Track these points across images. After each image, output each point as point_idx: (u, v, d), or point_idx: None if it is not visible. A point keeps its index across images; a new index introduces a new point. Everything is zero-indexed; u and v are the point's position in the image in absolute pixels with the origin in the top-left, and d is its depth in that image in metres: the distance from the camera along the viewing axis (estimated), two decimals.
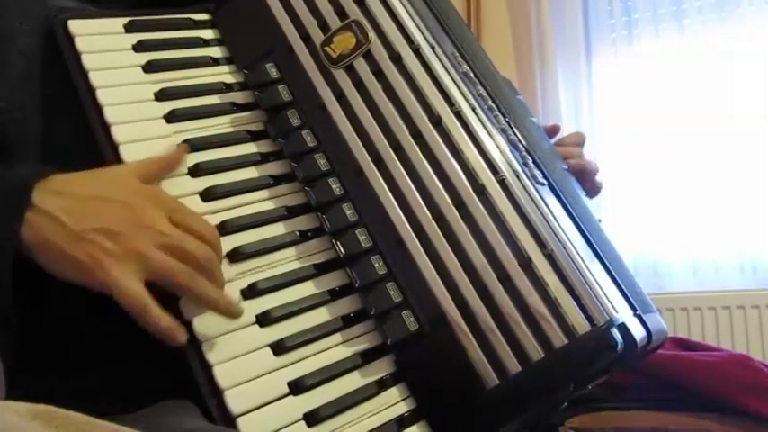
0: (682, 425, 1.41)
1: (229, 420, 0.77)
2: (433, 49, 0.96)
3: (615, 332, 0.81)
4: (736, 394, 1.40)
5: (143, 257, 0.77)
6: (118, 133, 0.89)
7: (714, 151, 3.05)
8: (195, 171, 0.91)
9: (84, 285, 0.78)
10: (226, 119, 0.98)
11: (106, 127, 0.90)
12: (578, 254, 0.86)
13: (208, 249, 0.82)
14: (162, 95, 0.95)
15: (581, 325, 0.80)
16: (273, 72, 0.99)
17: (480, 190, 0.87)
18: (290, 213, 0.93)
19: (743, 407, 1.39)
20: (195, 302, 0.81)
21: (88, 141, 0.90)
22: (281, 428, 0.78)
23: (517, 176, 0.89)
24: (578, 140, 1.35)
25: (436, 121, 0.91)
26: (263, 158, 0.96)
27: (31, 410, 0.54)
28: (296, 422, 0.79)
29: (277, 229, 0.91)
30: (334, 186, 0.92)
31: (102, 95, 0.91)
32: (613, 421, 1.46)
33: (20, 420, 0.53)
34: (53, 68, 0.94)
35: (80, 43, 0.93)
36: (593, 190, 1.28)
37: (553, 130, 1.35)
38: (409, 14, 0.98)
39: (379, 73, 0.95)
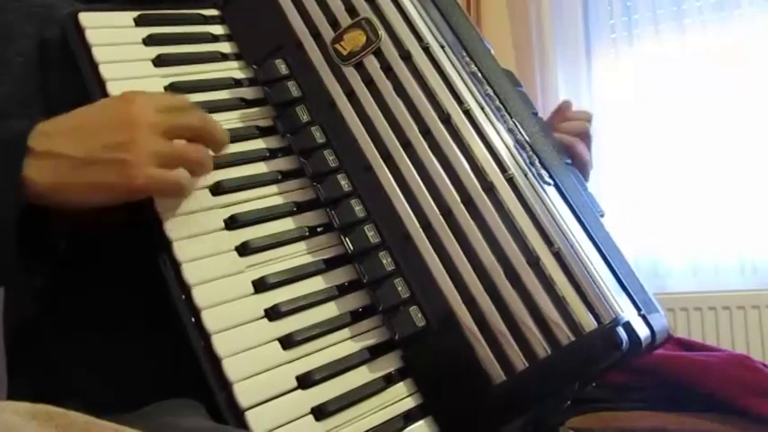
0: (682, 425, 1.41)
1: (238, 414, 0.77)
2: (442, 48, 0.97)
3: (621, 331, 0.81)
4: (737, 394, 1.40)
5: (158, 153, 0.80)
6: None
7: (714, 151, 3.05)
8: None
9: (115, 202, 0.81)
10: (235, 114, 0.98)
11: None
12: (584, 252, 0.86)
13: (196, 114, 0.87)
14: (172, 89, 0.95)
15: (587, 323, 0.80)
16: (283, 68, 1.00)
17: (488, 187, 0.88)
18: (298, 209, 0.93)
19: (743, 407, 1.39)
20: (198, 174, 0.87)
21: None
22: (289, 422, 0.79)
23: (525, 175, 0.89)
24: (586, 117, 1.37)
25: (445, 119, 0.91)
26: (271, 154, 0.96)
27: (31, 410, 0.55)
28: (304, 416, 0.80)
29: (286, 224, 0.91)
30: (342, 182, 0.92)
31: (112, 88, 0.91)
32: (614, 422, 1.46)
33: (19, 420, 0.54)
34: (54, 71, 0.95)
35: (91, 36, 0.94)
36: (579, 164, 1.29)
37: (563, 110, 1.35)
38: (419, 13, 0.99)
39: (388, 70, 0.95)
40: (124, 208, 0.81)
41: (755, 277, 3.04)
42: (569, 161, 1.18)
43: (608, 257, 0.91)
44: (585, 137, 1.34)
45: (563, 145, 1.27)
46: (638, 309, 0.88)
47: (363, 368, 0.85)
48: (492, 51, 1.06)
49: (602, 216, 1.03)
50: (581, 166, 1.29)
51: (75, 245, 0.88)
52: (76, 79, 0.92)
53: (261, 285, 0.86)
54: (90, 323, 0.91)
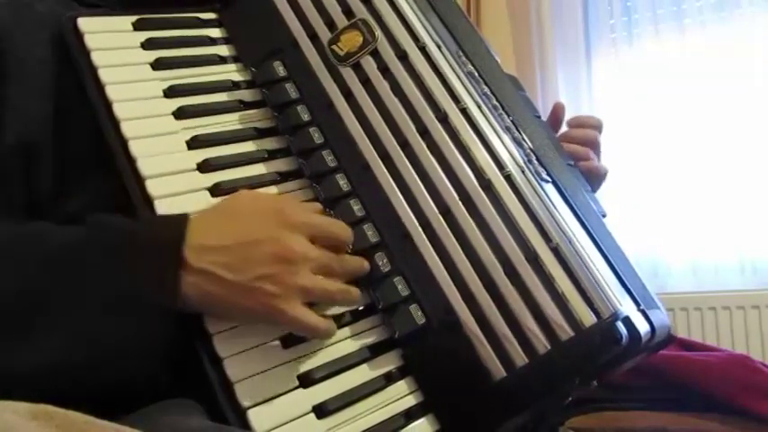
0: (682, 425, 1.41)
1: (240, 413, 0.78)
2: (438, 47, 0.97)
3: (620, 325, 0.81)
4: (737, 394, 1.40)
5: (304, 290, 0.82)
6: (127, 129, 0.90)
7: (714, 151, 3.05)
8: (204, 167, 0.92)
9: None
10: (234, 116, 0.98)
11: (116, 123, 0.90)
12: (583, 248, 0.86)
13: (344, 260, 0.88)
14: (171, 92, 0.96)
15: (587, 318, 0.80)
16: (281, 70, 1.00)
17: (486, 185, 0.88)
18: None
19: (743, 407, 1.39)
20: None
21: (100, 145, 0.91)
22: (290, 421, 0.79)
23: (522, 172, 0.90)
24: (596, 124, 1.37)
25: (442, 118, 0.92)
26: (270, 155, 0.97)
27: (31, 410, 0.55)
28: (305, 415, 0.80)
29: None
30: (341, 182, 0.93)
31: (111, 92, 0.92)
32: (614, 422, 1.45)
33: (19, 420, 0.54)
34: (65, 76, 0.95)
35: (90, 40, 0.94)
36: (594, 179, 1.29)
37: (556, 111, 1.36)
38: (415, 14, 0.99)
39: (385, 70, 0.95)
40: None
41: (755, 277, 3.04)
42: (571, 162, 1.18)
43: (607, 254, 0.91)
44: (596, 146, 1.35)
45: (576, 156, 1.27)
46: (638, 304, 0.88)
47: (364, 367, 0.86)
48: (497, 58, 1.06)
49: (603, 217, 1.03)
50: (597, 178, 1.30)
51: None
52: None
53: None
54: None
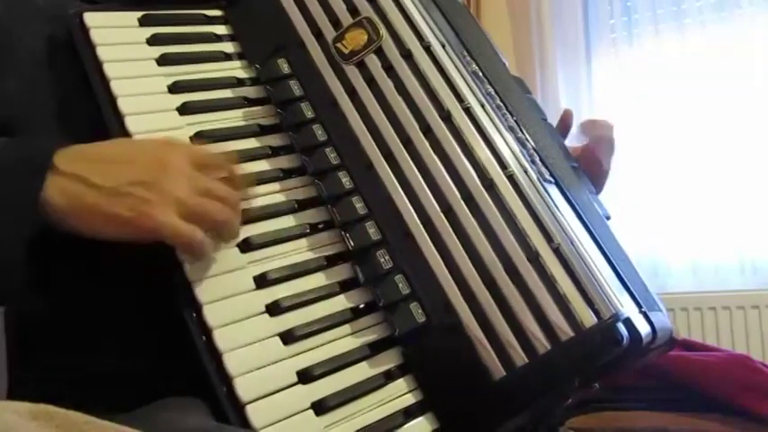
0: (682, 425, 1.42)
1: (238, 408, 0.78)
2: (443, 46, 0.98)
3: (621, 326, 0.81)
4: (737, 394, 1.41)
5: (181, 201, 0.80)
6: (131, 124, 0.90)
7: (714, 151, 3.05)
8: None
9: (126, 238, 0.80)
10: (238, 112, 0.99)
11: (120, 117, 0.91)
12: (585, 249, 0.86)
13: (229, 189, 0.85)
14: (175, 88, 0.96)
15: (587, 318, 0.81)
16: (285, 67, 1.00)
17: (489, 184, 0.88)
18: (300, 206, 0.94)
19: (743, 407, 1.39)
20: (225, 238, 0.86)
21: (98, 139, 0.91)
22: (289, 416, 0.79)
23: (525, 172, 0.90)
24: (609, 125, 1.37)
25: (446, 117, 0.92)
26: (273, 152, 0.97)
27: (31, 411, 0.55)
28: (304, 411, 0.80)
29: (288, 221, 0.92)
30: (344, 180, 0.93)
31: (116, 86, 0.92)
32: (614, 422, 1.46)
33: (20, 420, 0.54)
34: (63, 69, 0.95)
35: (95, 35, 0.95)
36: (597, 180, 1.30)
37: (565, 118, 1.36)
38: (420, 13, 0.99)
39: (389, 69, 0.96)
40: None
41: (755, 277, 3.03)
42: (575, 164, 1.19)
43: (609, 255, 0.91)
44: (609, 142, 1.35)
45: (592, 158, 1.27)
46: (639, 306, 0.88)
47: (364, 364, 0.86)
48: (505, 60, 1.06)
49: (608, 219, 1.03)
50: (603, 174, 1.30)
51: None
52: (86, 78, 0.93)
53: (262, 281, 0.86)
54: (88, 321, 0.92)
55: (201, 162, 0.84)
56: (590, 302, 0.82)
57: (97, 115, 0.91)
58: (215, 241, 0.85)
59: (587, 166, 1.25)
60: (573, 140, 1.31)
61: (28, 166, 0.79)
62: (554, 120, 1.34)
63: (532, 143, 0.96)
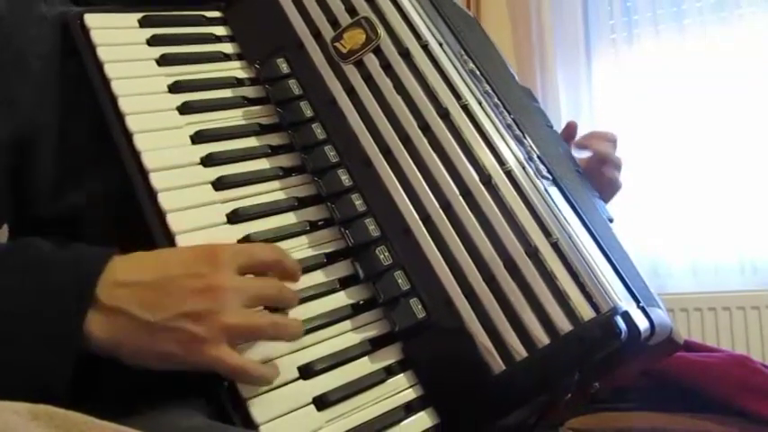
0: (681, 425, 1.42)
1: (241, 404, 0.78)
2: (441, 45, 0.98)
3: (619, 320, 0.82)
4: (736, 395, 1.40)
5: (231, 329, 0.76)
6: (132, 123, 0.91)
7: (714, 151, 3.06)
8: (207, 161, 0.92)
9: (177, 369, 0.77)
10: (237, 112, 0.99)
11: (120, 117, 0.91)
12: (583, 244, 0.87)
13: (277, 283, 0.83)
14: (175, 88, 0.97)
15: (586, 312, 0.81)
16: (284, 67, 1.01)
17: (487, 181, 0.89)
18: (300, 204, 0.94)
19: (743, 408, 1.39)
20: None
21: (102, 141, 0.91)
22: (291, 412, 0.80)
23: (523, 169, 0.90)
24: (612, 138, 1.38)
25: (444, 115, 0.93)
26: (273, 150, 0.97)
27: (31, 411, 0.55)
28: (305, 406, 0.81)
29: (288, 219, 0.93)
30: (343, 177, 0.93)
31: (116, 87, 0.93)
32: (614, 422, 1.46)
33: (20, 421, 0.54)
34: (67, 71, 0.95)
35: (96, 36, 0.95)
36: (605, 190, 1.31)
37: (570, 129, 1.37)
38: (418, 12, 1.00)
39: (388, 68, 0.96)
40: None
41: (755, 277, 3.04)
42: (579, 169, 1.19)
43: (607, 250, 0.92)
44: (609, 158, 1.36)
45: (597, 172, 1.29)
46: (637, 301, 0.89)
47: (364, 359, 0.86)
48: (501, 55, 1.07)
49: (610, 222, 1.04)
50: (611, 188, 1.32)
51: None
52: (88, 81, 0.94)
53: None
54: None
55: (249, 265, 0.81)
56: (588, 297, 0.82)
57: (100, 115, 0.92)
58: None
59: (593, 179, 1.26)
60: (575, 152, 1.33)
61: (67, 297, 0.75)
62: (553, 119, 1.36)
63: (530, 141, 0.97)
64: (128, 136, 0.90)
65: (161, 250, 0.83)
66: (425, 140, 0.92)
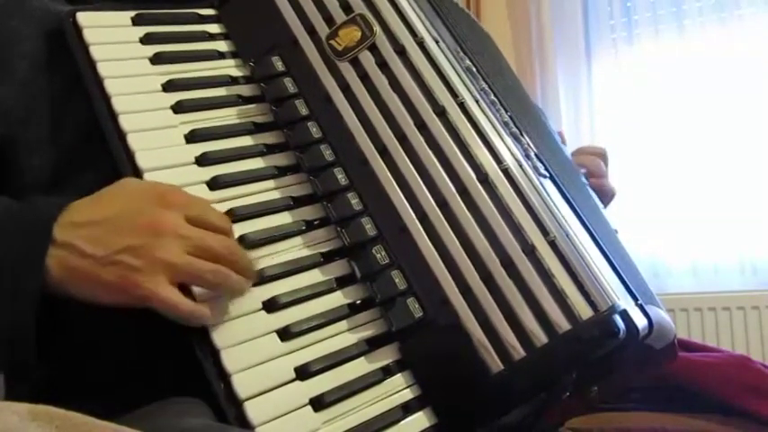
0: (681, 426, 1.41)
1: (237, 404, 0.78)
2: (436, 42, 0.98)
3: (617, 319, 0.81)
4: (736, 395, 1.40)
5: (170, 266, 0.79)
6: (125, 122, 0.90)
7: (714, 152, 3.06)
8: (202, 160, 0.92)
9: (120, 305, 0.80)
10: (232, 111, 0.99)
11: (114, 116, 0.91)
12: (580, 242, 0.86)
13: (227, 240, 0.84)
14: (169, 86, 0.96)
15: (584, 311, 0.80)
16: (279, 65, 1.00)
17: (483, 178, 0.88)
18: (295, 203, 0.94)
19: (743, 408, 1.38)
20: (227, 294, 0.84)
21: (93, 142, 0.91)
22: (287, 412, 0.79)
23: (520, 166, 0.90)
24: (598, 152, 1.40)
25: (440, 112, 0.92)
26: (268, 149, 0.97)
27: (31, 411, 0.55)
28: (302, 407, 0.80)
29: (283, 218, 0.92)
30: (339, 176, 0.93)
31: (110, 85, 0.92)
32: (613, 422, 1.45)
33: (19, 421, 0.54)
34: (57, 72, 0.95)
35: (88, 35, 0.95)
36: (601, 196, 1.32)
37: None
38: (414, 9, 0.99)
39: (383, 65, 0.95)
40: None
41: (755, 278, 3.04)
42: (583, 178, 1.19)
43: (605, 248, 0.91)
44: (600, 172, 1.37)
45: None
46: (636, 299, 0.88)
47: (361, 360, 0.86)
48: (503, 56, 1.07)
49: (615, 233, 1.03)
50: (603, 195, 1.33)
51: None
52: (80, 80, 0.93)
53: (259, 278, 0.86)
54: (87, 319, 0.91)
55: (199, 219, 0.84)
56: (586, 295, 0.81)
57: (93, 115, 0.91)
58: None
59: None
60: None
61: (29, 239, 0.80)
62: (553, 119, 1.36)
63: (527, 138, 0.96)
64: (121, 135, 0.90)
65: (117, 186, 0.85)
66: (422, 138, 0.91)
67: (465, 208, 0.87)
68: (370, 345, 0.87)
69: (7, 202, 0.85)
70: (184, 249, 0.80)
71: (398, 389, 0.85)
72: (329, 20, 1.00)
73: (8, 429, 0.52)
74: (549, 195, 0.89)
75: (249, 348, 0.81)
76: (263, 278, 0.86)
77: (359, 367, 0.85)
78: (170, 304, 0.79)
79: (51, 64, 0.95)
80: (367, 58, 0.96)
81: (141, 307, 0.79)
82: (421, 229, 0.88)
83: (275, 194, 0.94)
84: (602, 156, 1.41)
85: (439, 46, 0.97)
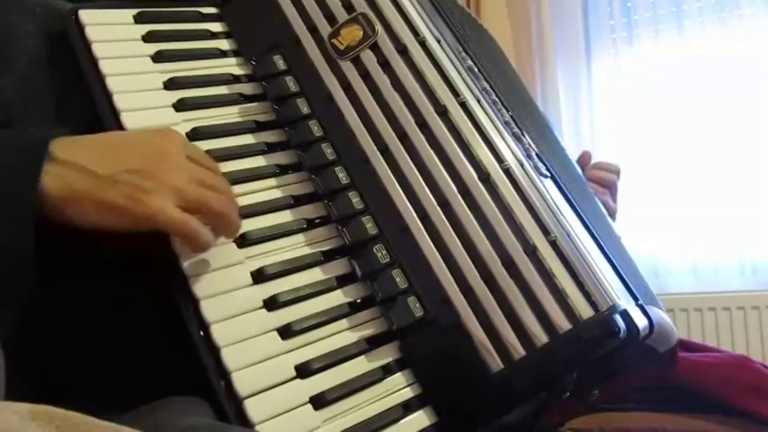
0: (681, 426, 1.42)
1: (237, 402, 0.78)
2: (438, 42, 0.98)
3: (618, 318, 0.81)
4: (736, 395, 1.40)
5: (179, 190, 0.79)
6: (127, 120, 0.90)
7: (714, 152, 3.06)
8: None
9: (122, 228, 0.78)
10: (233, 109, 0.99)
11: (116, 114, 0.91)
12: (581, 242, 0.86)
13: (223, 180, 0.87)
14: (171, 84, 0.96)
15: (584, 310, 0.80)
16: (281, 63, 1.01)
17: (485, 178, 0.88)
18: (296, 201, 0.94)
19: (743, 408, 1.39)
20: (225, 231, 0.85)
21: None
22: (288, 411, 0.79)
23: (521, 166, 0.90)
24: (615, 170, 1.42)
25: (442, 111, 0.92)
26: (269, 148, 0.97)
27: (31, 411, 0.54)
28: (303, 405, 0.80)
29: (284, 217, 0.92)
30: (340, 175, 0.93)
31: (111, 83, 0.92)
32: (613, 422, 1.46)
33: (19, 421, 0.53)
34: (57, 68, 0.95)
35: (91, 32, 0.95)
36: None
37: (584, 157, 1.41)
38: (415, 9, 1.00)
39: (385, 64, 0.96)
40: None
41: (755, 278, 3.04)
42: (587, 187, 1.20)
43: (606, 249, 0.91)
44: (613, 188, 1.39)
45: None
46: (636, 299, 0.89)
47: (362, 358, 0.86)
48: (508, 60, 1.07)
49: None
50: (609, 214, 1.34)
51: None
52: (81, 77, 0.93)
53: (259, 276, 0.86)
54: (87, 319, 0.91)
55: (195, 156, 0.84)
56: (587, 295, 0.81)
57: (93, 112, 0.91)
58: (215, 235, 0.84)
59: None
60: None
61: (25, 155, 0.77)
62: (553, 119, 1.37)
63: (528, 138, 0.97)
64: None
65: (117, 132, 0.88)
66: (423, 138, 0.91)
67: (466, 207, 0.87)
68: (371, 343, 0.87)
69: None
70: (190, 179, 0.81)
71: (399, 387, 0.85)
72: (331, 19, 1.00)
73: (8, 429, 0.52)
74: (550, 195, 0.89)
75: (249, 346, 0.81)
76: (263, 276, 0.86)
77: (359, 366, 0.85)
78: (179, 221, 0.79)
79: (52, 60, 0.95)
80: (369, 58, 0.96)
81: (141, 231, 0.79)
82: (422, 228, 0.88)
83: (276, 193, 0.94)
84: (616, 173, 1.42)
85: (441, 45, 0.97)
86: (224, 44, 1.05)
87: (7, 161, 0.77)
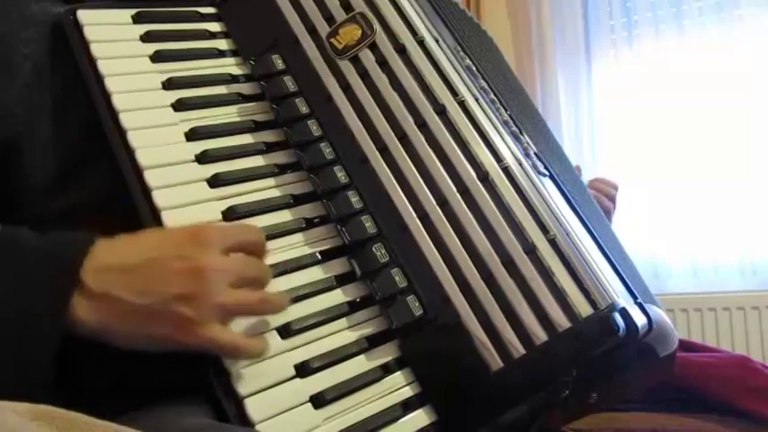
0: (681, 426, 1.41)
1: (237, 402, 0.78)
2: (437, 41, 0.98)
3: (617, 317, 0.81)
4: (736, 395, 1.40)
5: (223, 308, 0.77)
6: (126, 120, 0.90)
7: (714, 152, 3.06)
8: (202, 158, 0.92)
9: (168, 351, 0.77)
10: (232, 109, 0.99)
11: (114, 114, 0.90)
12: (580, 241, 0.86)
13: (262, 264, 0.84)
14: (169, 84, 0.96)
15: (584, 309, 0.81)
16: (279, 63, 1.00)
17: (484, 177, 0.88)
18: (295, 201, 0.94)
19: (743, 408, 1.38)
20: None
21: (95, 139, 0.91)
22: (287, 410, 0.79)
23: (520, 164, 0.90)
24: (614, 185, 1.45)
25: (440, 111, 0.92)
26: (268, 148, 0.97)
27: (32, 411, 0.55)
28: (302, 404, 0.80)
29: (283, 216, 0.92)
30: (339, 174, 0.93)
31: (110, 83, 0.92)
32: (613, 422, 1.45)
33: (20, 421, 0.53)
34: (59, 71, 0.95)
35: (89, 32, 0.95)
36: None
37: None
38: (414, 8, 0.99)
39: (383, 64, 0.96)
40: None
41: (755, 278, 3.04)
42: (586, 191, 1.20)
43: (604, 247, 0.92)
44: (612, 201, 1.42)
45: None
46: (635, 297, 0.89)
47: (361, 357, 0.86)
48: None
49: None
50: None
51: None
52: (80, 79, 0.93)
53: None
54: None
55: (234, 247, 0.81)
56: (586, 293, 0.81)
57: (93, 113, 0.91)
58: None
59: None
60: None
61: (52, 282, 0.75)
62: (553, 119, 1.37)
63: (527, 137, 0.97)
64: (121, 133, 0.90)
65: (146, 232, 0.82)
66: (422, 137, 0.91)
67: (465, 206, 0.87)
68: (370, 342, 0.87)
69: (24, 233, 0.80)
70: (229, 284, 0.78)
71: (398, 386, 0.85)
72: (329, 18, 1.00)
73: (8, 429, 0.52)
74: (548, 194, 0.89)
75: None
76: None
77: (359, 365, 0.85)
78: (229, 347, 0.78)
79: (54, 64, 0.95)
80: (367, 57, 0.96)
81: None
82: (421, 227, 0.88)
83: (275, 192, 0.94)
84: (615, 189, 1.44)
85: (439, 45, 0.97)
86: (222, 44, 1.05)
87: (34, 286, 0.74)
